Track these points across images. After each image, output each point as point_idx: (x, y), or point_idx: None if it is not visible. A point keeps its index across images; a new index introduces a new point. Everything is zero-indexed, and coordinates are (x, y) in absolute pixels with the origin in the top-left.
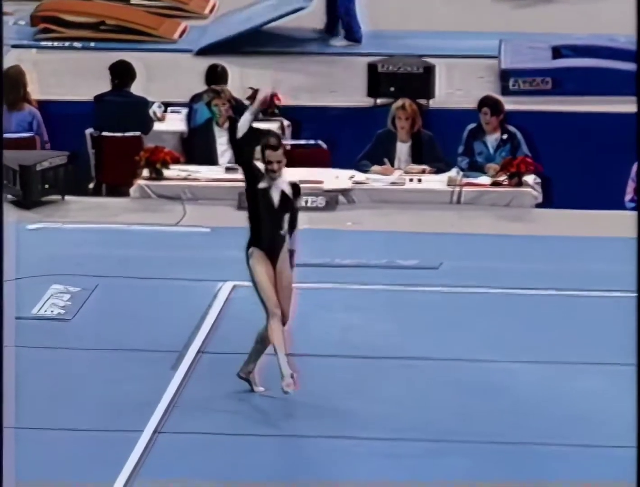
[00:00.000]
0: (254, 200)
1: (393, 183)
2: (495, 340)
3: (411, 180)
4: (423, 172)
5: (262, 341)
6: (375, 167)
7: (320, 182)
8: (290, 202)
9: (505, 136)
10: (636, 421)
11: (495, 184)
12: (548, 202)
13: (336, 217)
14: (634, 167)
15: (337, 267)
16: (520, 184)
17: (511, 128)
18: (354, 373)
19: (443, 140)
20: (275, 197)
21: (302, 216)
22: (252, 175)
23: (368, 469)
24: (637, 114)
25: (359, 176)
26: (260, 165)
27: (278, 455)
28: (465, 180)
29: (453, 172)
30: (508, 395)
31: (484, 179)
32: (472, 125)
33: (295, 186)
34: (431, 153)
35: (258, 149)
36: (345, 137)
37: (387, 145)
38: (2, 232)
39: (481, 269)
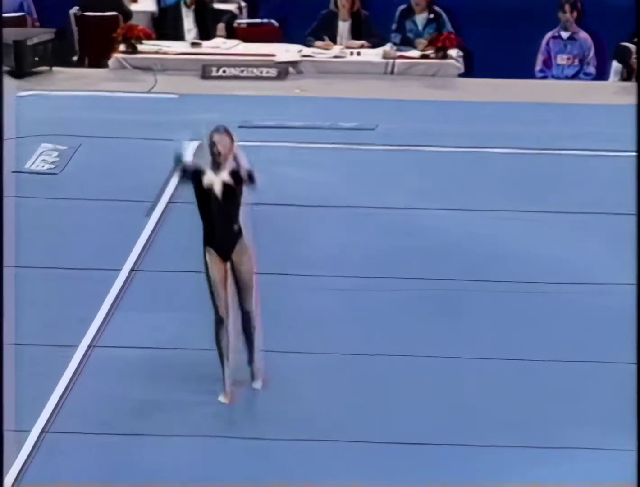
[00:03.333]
0: (200, 200)
1: (336, 56)
2: (424, 191)
3: (351, 53)
4: (362, 46)
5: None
6: (318, 43)
7: (273, 55)
8: (234, 192)
9: (432, 16)
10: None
11: (423, 56)
12: (470, 72)
13: (286, 86)
14: (543, 42)
15: (286, 128)
16: (445, 57)
17: (437, 9)
18: (300, 220)
19: (378, 19)
20: (218, 191)
21: (257, 84)
22: (196, 180)
23: (313, 300)
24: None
25: (306, 50)
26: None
27: None
28: (398, 53)
29: (387, 47)
30: (435, 237)
31: (414, 53)
32: (403, 6)
33: (235, 174)
34: (368, 30)
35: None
36: (294, 17)
37: (330, 23)
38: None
39: (412, 130)
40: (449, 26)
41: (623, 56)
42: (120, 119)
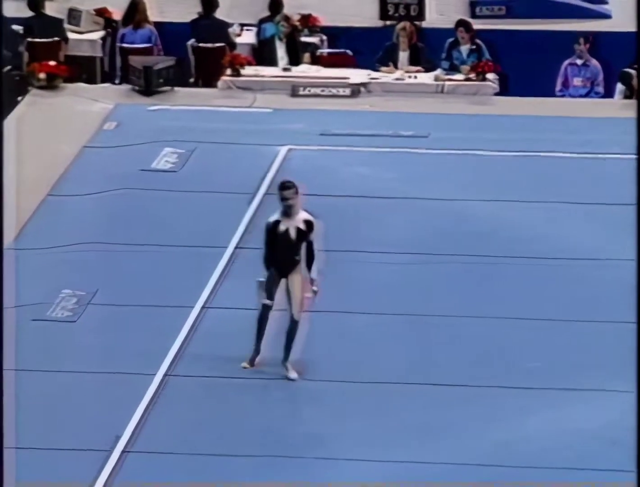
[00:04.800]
0: (274, 239)
1: (397, 79)
2: (467, 185)
3: (410, 77)
4: (418, 71)
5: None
6: (383, 68)
7: (348, 78)
8: (304, 235)
9: (474, 47)
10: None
11: (467, 79)
12: (506, 91)
13: (358, 102)
14: (562, 68)
15: (358, 136)
16: (484, 79)
17: (478, 41)
18: (369, 208)
19: (431, 50)
20: (293, 233)
21: (334, 101)
22: (272, 230)
23: (381, 272)
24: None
25: (374, 74)
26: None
27: None
28: (447, 77)
29: (438, 71)
30: (476, 221)
31: (459, 76)
32: (451, 39)
33: (308, 222)
34: (423, 58)
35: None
36: (365, 48)
37: (393, 53)
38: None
39: (458, 137)
40: (487, 55)
41: (626, 79)
42: (227, 128)
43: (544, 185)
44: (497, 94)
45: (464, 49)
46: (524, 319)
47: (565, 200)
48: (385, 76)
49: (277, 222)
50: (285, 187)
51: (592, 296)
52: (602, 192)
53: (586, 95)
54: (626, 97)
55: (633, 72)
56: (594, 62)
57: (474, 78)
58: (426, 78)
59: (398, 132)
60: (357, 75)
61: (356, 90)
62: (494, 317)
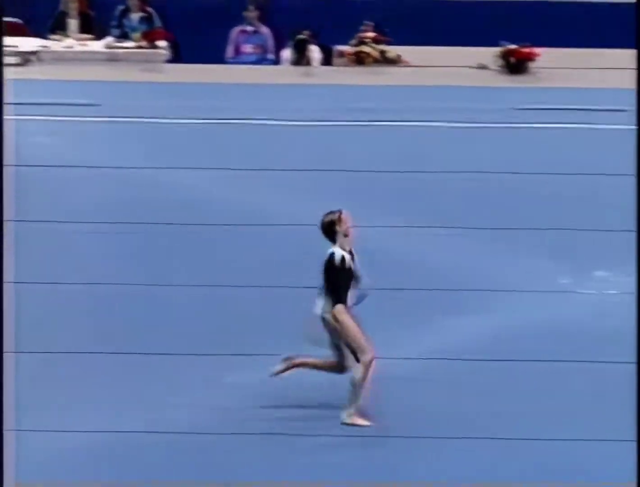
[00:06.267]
0: (345, 274)
1: (68, 47)
2: (143, 153)
3: (81, 45)
4: (89, 39)
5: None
6: (54, 36)
7: (17, 46)
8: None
9: (145, 14)
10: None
11: (138, 47)
12: (178, 58)
13: (29, 71)
14: (232, 34)
15: (30, 105)
16: (155, 47)
17: (149, 9)
18: (43, 177)
19: (102, 17)
20: (353, 265)
21: (4, 70)
22: (345, 266)
23: (61, 243)
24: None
25: (45, 42)
26: None
27: None
28: (118, 44)
29: (110, 39)
30: (153, 191)
31: (131, 44)
32: (122, 7)
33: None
34: (94, 26)
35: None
36: (34, 15)
37: (62, 21)
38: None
39: (130, 105)
40: (158, 23)
41: (299, 45)
42: None
43: (224, 152)
44: (169, 62)
45: (135, 17)
46: (197, 286)
47: (249, 167)
48: (55, 44)
49: (344, 257)
50: (343, 217)
51: (265, 261)
52: (287, 160)
53: (258, 62)
54: (294, 63)
55: (306, 37)
56: (265, 29)
57: (145, 46)
58: (97, 46)
59: (73, 101)
60: (27, 43)
61: (26, 58)
62: (164, 285)
